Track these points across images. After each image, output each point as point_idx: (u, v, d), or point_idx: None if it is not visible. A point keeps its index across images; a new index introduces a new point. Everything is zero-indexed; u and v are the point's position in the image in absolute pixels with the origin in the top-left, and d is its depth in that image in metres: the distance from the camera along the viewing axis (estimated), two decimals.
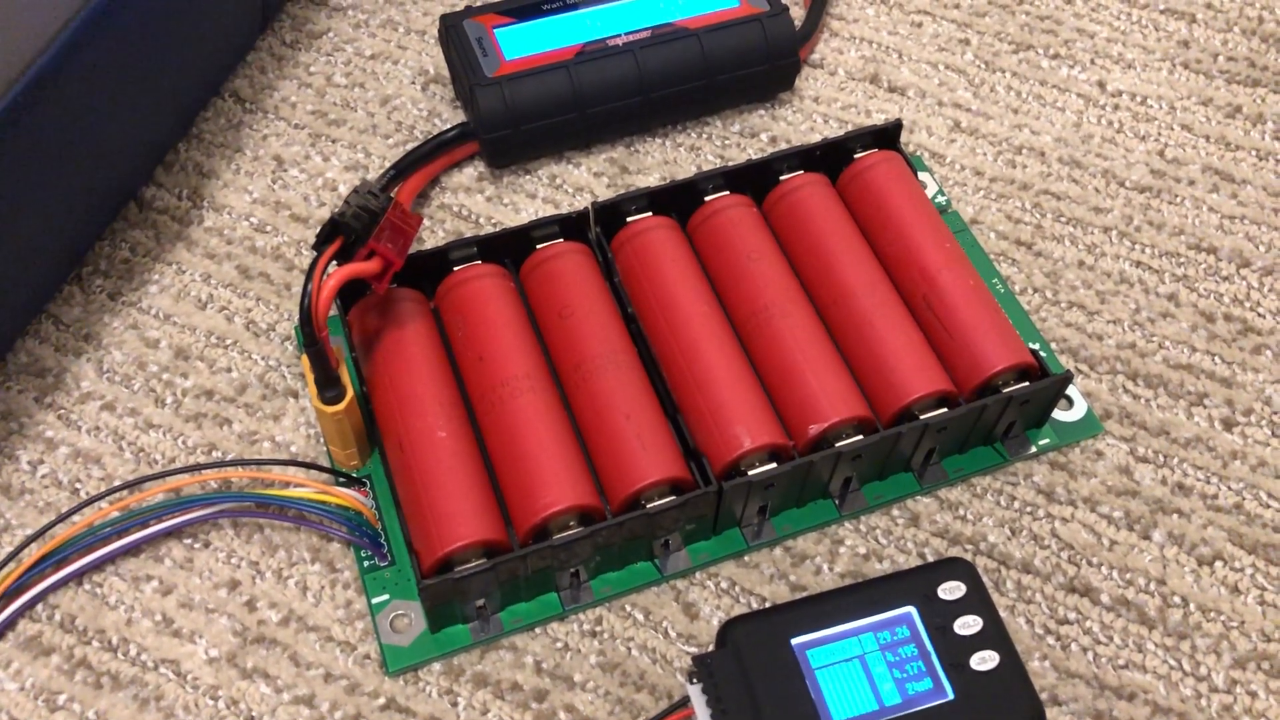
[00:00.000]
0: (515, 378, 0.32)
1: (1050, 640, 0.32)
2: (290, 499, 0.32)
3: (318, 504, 0.32)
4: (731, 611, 0.32)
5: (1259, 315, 0.38)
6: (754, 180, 0.37)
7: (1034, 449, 0.35)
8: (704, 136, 0.42)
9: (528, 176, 0.41)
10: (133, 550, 0.32)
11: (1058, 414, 0.35)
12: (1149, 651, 0.32)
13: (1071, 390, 0.36)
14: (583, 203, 0.40)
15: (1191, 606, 0.32)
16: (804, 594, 0.32)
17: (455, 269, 0.35)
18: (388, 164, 0.40)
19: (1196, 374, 0.36)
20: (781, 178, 0.37)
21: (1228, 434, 0.35)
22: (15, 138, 0.31)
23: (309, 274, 0.30)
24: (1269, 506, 0.34)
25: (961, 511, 0.34)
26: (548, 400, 0.32)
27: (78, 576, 0.32)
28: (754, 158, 0.37)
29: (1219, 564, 0.33)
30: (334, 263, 0.31)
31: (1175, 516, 0.34)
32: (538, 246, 0.35)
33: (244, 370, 0.36)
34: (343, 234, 0.30)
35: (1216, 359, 0.37)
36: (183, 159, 0.40)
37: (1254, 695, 0.31)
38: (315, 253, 0.30)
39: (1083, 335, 0.37)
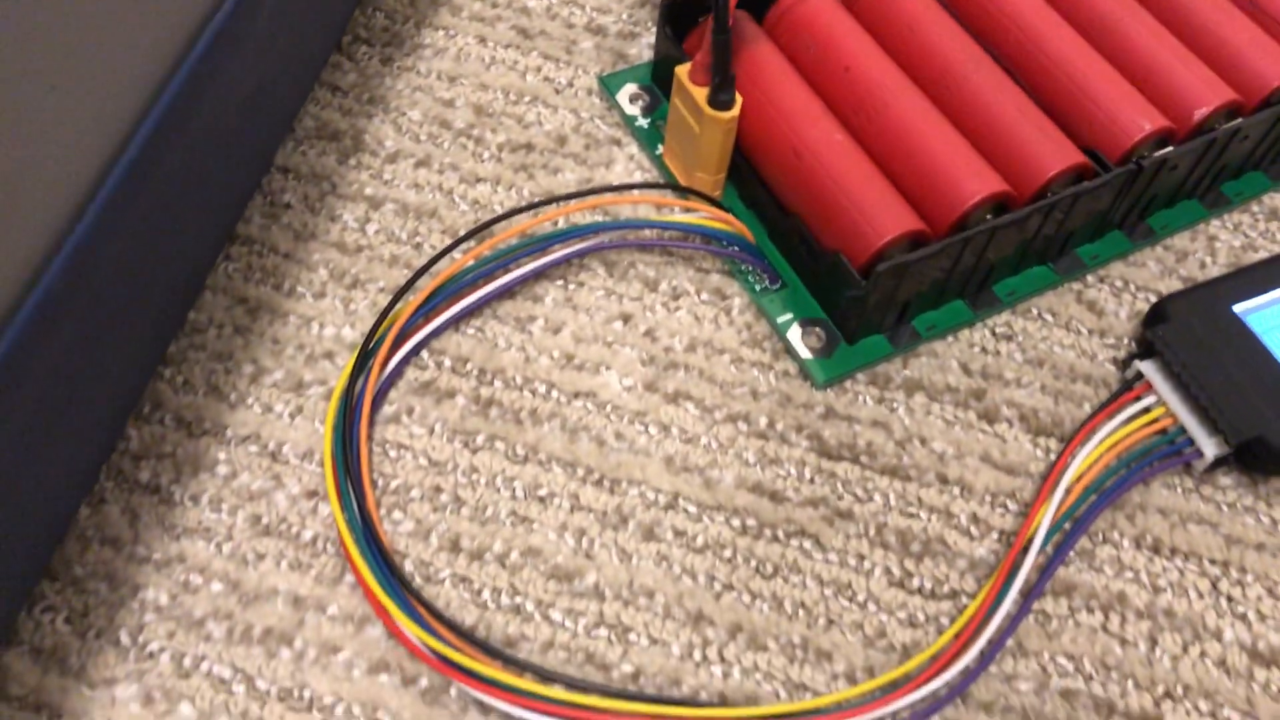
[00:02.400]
0: (889, 83, 0.31)
1: None
2: (675, 223, 0.30)
3: (704, 229, 0.30)
4: (1134, 306, 0.31)
5: None
6: None
7: None
8: None
9: None
10: (505, 293, 0.30)
11: None
12: None
13: None
14: None
15: None
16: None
17: None
18: None
19: None
20: None
21: None
22: None
23: None
24: None
25: None
26: (927, 103, 0.31)
27: (455, 322, 0.29)
28: None
29: None
30: None
31: None
32: None
33: (556, 124, 0.33)
34: None
35: None
36: None
37: None
38: None
39: None
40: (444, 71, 0.34)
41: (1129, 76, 0.32)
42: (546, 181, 0.32)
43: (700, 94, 0.29)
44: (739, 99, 0.29)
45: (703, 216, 0.30)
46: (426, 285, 0.29)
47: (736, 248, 0.30)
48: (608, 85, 0.34)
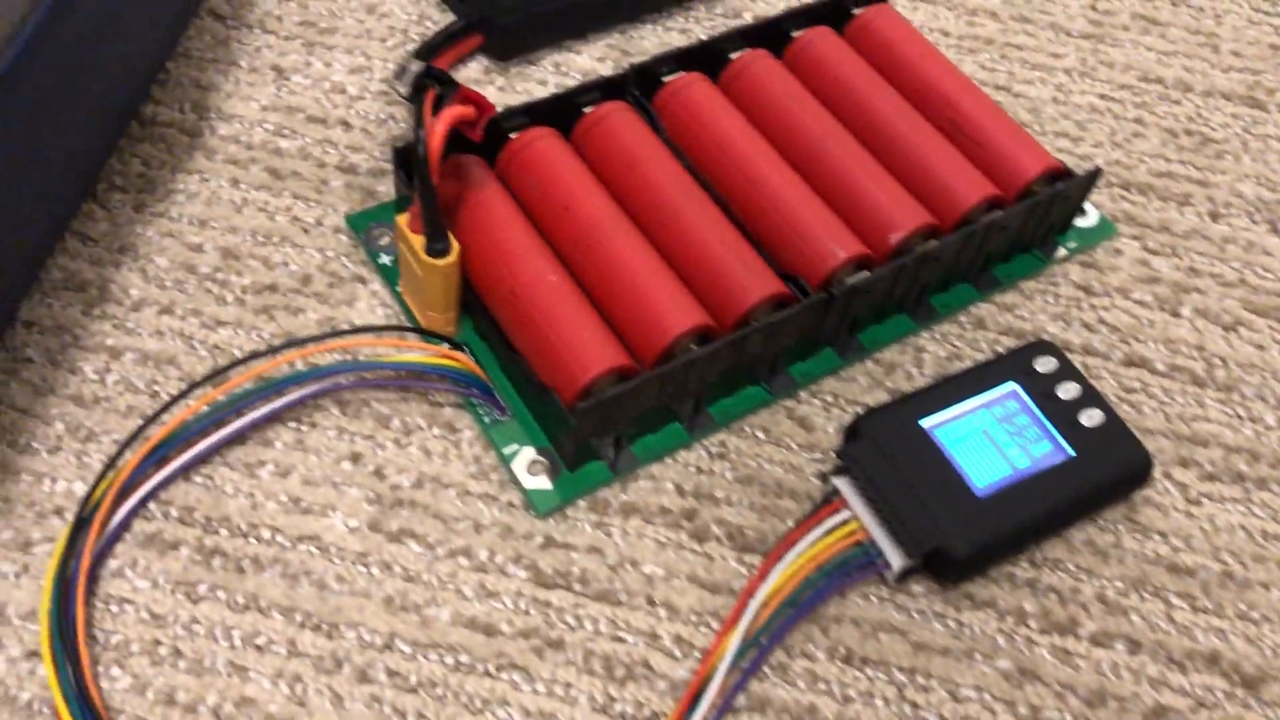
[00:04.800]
0: (604, 220, 0.33)
1: (1125, 407, 0.35)
2: (406, 364, 0.31)
3: (434, 367, 0.31)
4: (842, 420, 0.33)
5: (1212, 129, 0.42)
6: (768, 37, 0.39)
7: (1065, 251, 0.38)
8: (690, 19, 0.43)
9: (533, 67, 0.41)
10: (237, 439, 0.31)
11: (1076, 221, 0.38)
12: (1208, 405, 0.35)
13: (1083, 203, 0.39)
14: None
15: (1231, 365, 0.36)
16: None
17: (511, 135, 0.35)
18: (390, 64, 0.40)
19: (1177, 179, 0.40)
20: (794, 33, 0.39)
21: (1216, 224, 0.39)
22: (28, 68, 0.29)
23: (418, 117, 0.29)
24: (1265, 278, 0.38)
25: (1018, 311, 0.36)
26: (640, 238, 0.33)
27: (184, 471, 0.30)
28: (767, 16, 0.39)
29: (1241, 329, 0.37)
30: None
31: (1195, 295, 0.37)
32: (585, 109, 0.36)
33: (302, 263, 0.35)
34: (437, 81, 0.30)
35: (1189, 166, 0.41)
36: (176, 76, 0.39)
37: None
38: (412, 102, 0.30)
39: (1073, 157, 0.41)
40: (195, 216, 0.35)
41: (833, 203, 0.35)
42: (287, 322, 0.33)
43: (418, 242, 0.31)
44: (455, 245, 0.31)
45: (434, 355, 0.32)
46: (155, 434, 0.30)
47: (466, 383, 0.32)
48: (354, 224, 0.35)
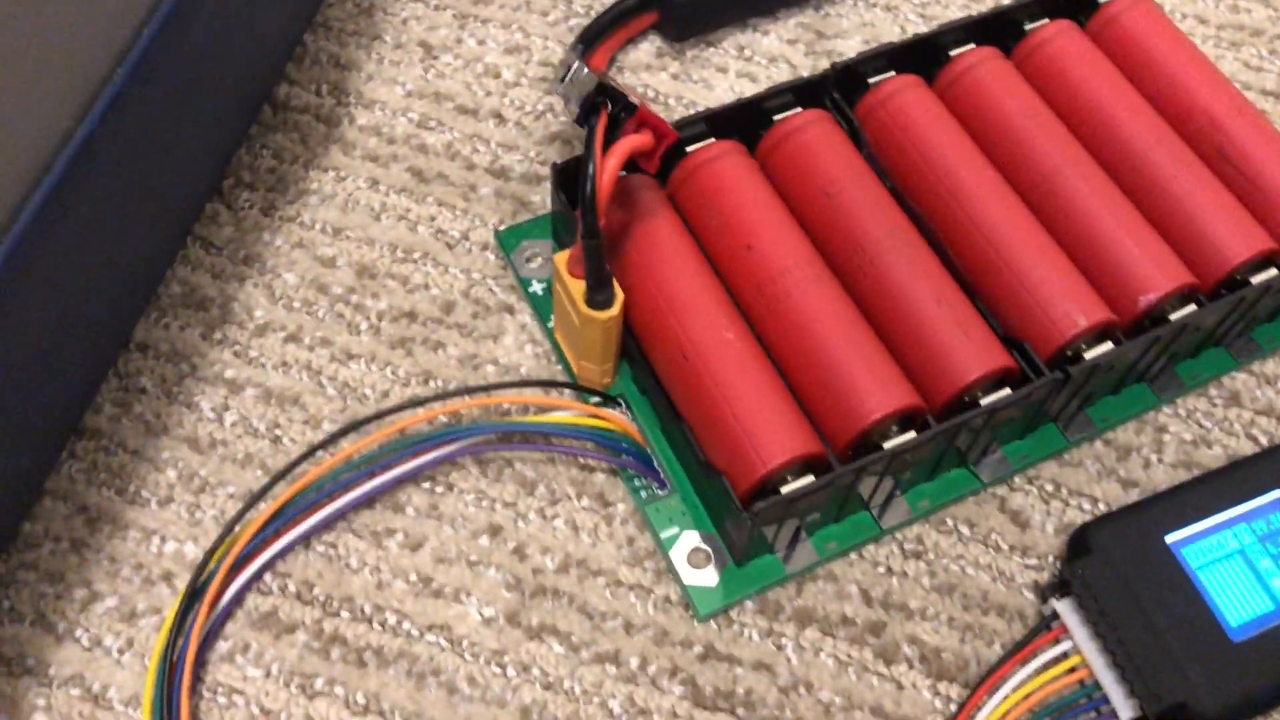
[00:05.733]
0: (795, 266, 0.28)
1: None
2: (553, 425, 0.27)
3: (588, 429, 0.27)
4: (1064, 516, 0.28)
5: None
6: (998, 32, 0.32)
7: None
8: None
9: (712, 49, 0.35)
10: (365, 502, 0.27)
11: None
12: None
13: None
14: (779, 74, 0.35)
15: None
16: (1138, 491, 0.28)
17: (687, 150, 0.30)
18: (550, 43, 0.35)
19: None
20: (1027, 26, 0.33)
21: None
22: (163, 53, 0.25)
23: (588, 149, 0.24)
24: None
25: None
26: (837, 290, 0.28)
27: (305, 539, 0.27)
28: (1000, 5, 0.33)
29: None
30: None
31: None
32: (775, 118, 0.31)
33: (445, 286, 0.31)
34: (611, 100, 0.25)
35: None
36: (313, 51, 0.34)
37: None
38: (581, 125, 0.25)
39: None
40: (329, 223, 0.31)
41: (1070, 250, 0.29)
42: (425, 359, 0.29)
43: (577, 289, 0.26)
44: (619, 296, 0.26)
45: (584, 415, 0.28)
46: (281, 494, 0.26)
47: (621, 450, 0.28)
48: (504, 242, 0.31)
